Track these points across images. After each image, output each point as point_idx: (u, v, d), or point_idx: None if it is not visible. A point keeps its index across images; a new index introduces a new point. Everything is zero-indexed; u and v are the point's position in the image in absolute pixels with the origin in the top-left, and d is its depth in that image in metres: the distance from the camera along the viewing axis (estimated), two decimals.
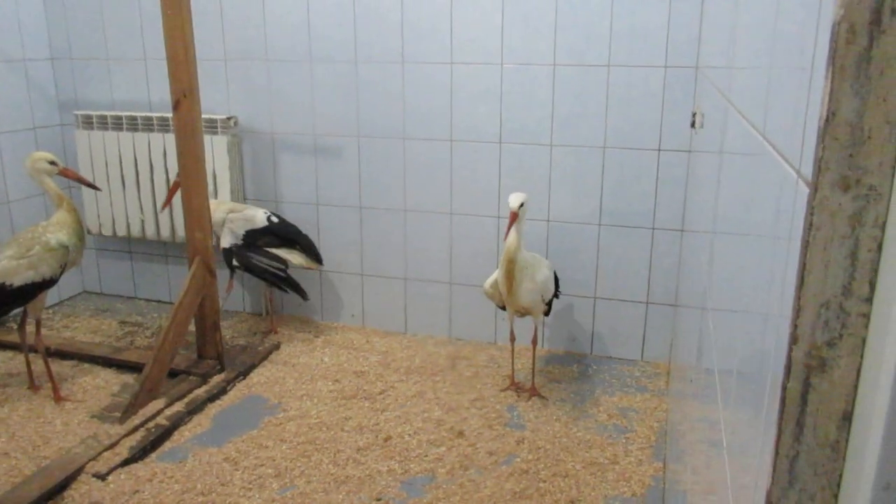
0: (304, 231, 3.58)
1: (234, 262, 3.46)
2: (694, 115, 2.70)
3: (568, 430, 2.79)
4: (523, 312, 3.00)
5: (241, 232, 3.45)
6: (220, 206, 3.49)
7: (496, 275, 2.92)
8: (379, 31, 3.31)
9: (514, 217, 2.72)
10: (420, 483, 2.49)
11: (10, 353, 3.37)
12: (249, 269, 3.46)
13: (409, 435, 2.77)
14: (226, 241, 3.45)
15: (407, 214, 3.51)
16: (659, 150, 3.08)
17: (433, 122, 3.35)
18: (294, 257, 3.48)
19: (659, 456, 2.63)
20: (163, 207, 3.61)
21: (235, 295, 3.89)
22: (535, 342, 3.07)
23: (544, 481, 2.49)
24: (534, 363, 3.12)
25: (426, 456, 2.64)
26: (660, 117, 3.04)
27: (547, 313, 3.16)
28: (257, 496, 2.42)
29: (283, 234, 3.50)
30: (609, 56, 3.04)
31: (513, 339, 3.09)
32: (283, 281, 3.47)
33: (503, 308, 3.11)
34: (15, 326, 3.16)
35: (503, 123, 3.25)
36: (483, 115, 3.27)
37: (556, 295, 3.13)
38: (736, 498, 0.88)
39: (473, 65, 3.23)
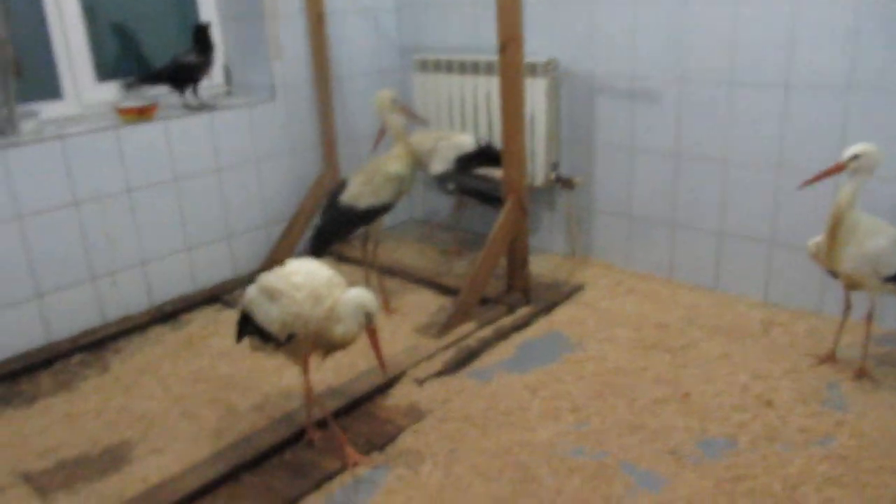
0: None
1: (450, 186, 3.74)
2: None
3: None
4: (850, 283, 2.65)
5: (452, 157, 3.70)
6: (428, 135, 3.78)
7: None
8: None
9: (838, 169, 2.43)
10: (719, 446, 2.38)
11: (352, 267, 3.90)
12: (465, 190, 3.70)
13: (711, 395, 2.65)
14: (437, 168, 3.72)
15: (728, 165, 3.27)
16: None
17: (765, 65, 3.03)
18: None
19: None
20: (374, 147, 3.70)
21: (544, 234, 4.02)
22: (869, 318, 2.70)
23: (867, 472, 2.21)
24: (867, 340, 2.75)
25: (727, 419, 2.50)
26: None
27: None
28: (552, 426, 2.52)
29: (494, 154, 3.64)
30: None
31: (847, 309, 2.75)
32: (498, 201, 3.50)
33: (832, 274, 2.78)
34: (357, 245, 3.65)
35: (855, 63, 2.83)
36: (827, 53, 2.87)
37: None
38: None
39: None
